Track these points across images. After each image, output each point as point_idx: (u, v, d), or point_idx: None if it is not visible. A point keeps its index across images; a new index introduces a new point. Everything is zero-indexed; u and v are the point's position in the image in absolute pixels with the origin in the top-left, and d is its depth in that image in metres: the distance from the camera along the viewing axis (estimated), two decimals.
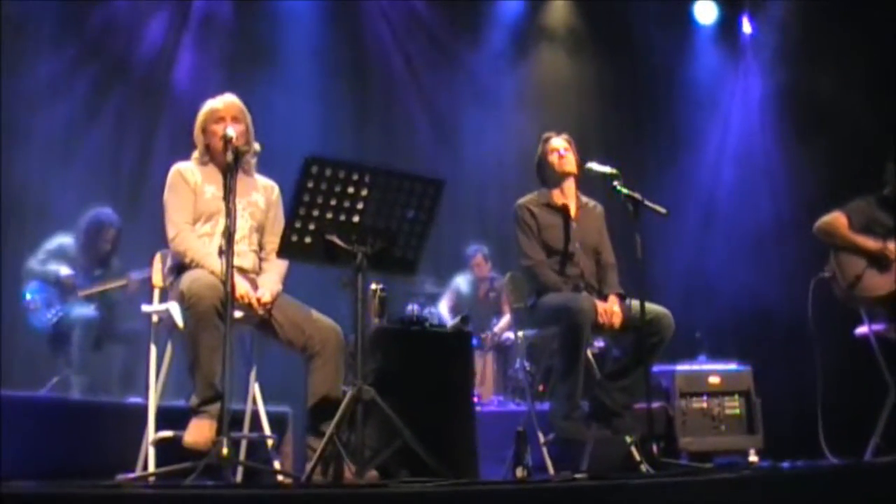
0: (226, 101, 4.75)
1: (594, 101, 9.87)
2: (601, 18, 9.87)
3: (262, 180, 4.92)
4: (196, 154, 4.80)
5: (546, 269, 5.47)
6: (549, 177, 5.65)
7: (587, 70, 10.01)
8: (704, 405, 6.91)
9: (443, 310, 8.31)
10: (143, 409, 4.67)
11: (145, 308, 4.77)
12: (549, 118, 9.39)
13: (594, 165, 5.42)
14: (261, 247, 4.82)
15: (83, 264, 7.01)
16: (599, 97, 9.89)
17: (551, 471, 5.23)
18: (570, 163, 5.61)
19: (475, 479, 4.86)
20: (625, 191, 5.20)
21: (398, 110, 9.55)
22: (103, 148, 8.24)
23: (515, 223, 5.59)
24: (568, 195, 5.65)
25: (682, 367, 6.96)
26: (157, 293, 4.87)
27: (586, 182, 5.65)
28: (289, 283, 4.73)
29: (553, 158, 5.61)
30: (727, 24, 10.13)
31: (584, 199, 5.72)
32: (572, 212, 5.61)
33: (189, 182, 4.69)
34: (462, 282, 8.66)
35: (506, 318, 8.13)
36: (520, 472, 4.83)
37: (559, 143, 5.65)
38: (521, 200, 5.63)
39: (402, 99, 9.55)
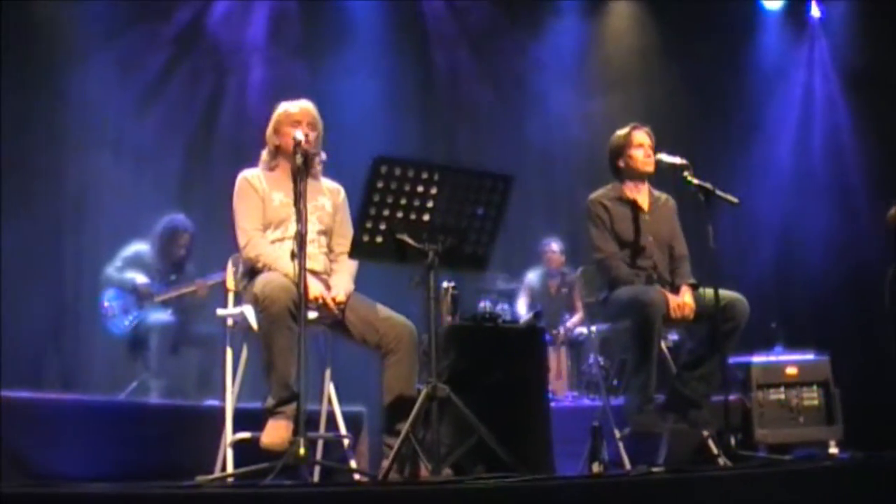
0: (301, 107, 4.79)
1: (662, 90, 9.76)
2: (667, 7, 9.77)
3: (328, 183, 4.95)
4: (264, 157, 4.84)
5: (618, 261, 5.43)
6: (626, 170, 5.55)
7: (654, 59, 9.91)
8: (782, 396, 6.82)
9: (521, 308, 8.30)
10: (221, 412, 4.73)
11: (220, 312, 4.82)
12: (616, 107, 9.35)
13: (664, 156, 5.38)
14: (329, 249, 4.85)
15: (159, 270, 7.11)
16: (666, 86, 9.78)
17: (627, 465, 5.20)
18: (651, 163, 5.53)
19: (551, 474, 4.84)
20: (695, 181, 5.16)
21: (463, 105, 9.53)
22: (175, 153, 8.36)
23: (588, 218, 5.54)
24: (641, 189, 5.59)
25: (758, 359, 6.88)
26: (231, 297, 4.92)
27: (657, 173, 5.58)
28: (360, 283, 4.75)
29: (638, 154, 5.49)
30: (794, 9, 9.99)
31: (657, 192, 5.66)
32: (645, 206, 5.56)
33: (257, 190, 4.73)
34: (534, 277, 8.64)
35: (579, 314, 8.11)
36: (596, 467, 4.81)
37: (645, 139, 5.51)
38: (593, 195, 5.58)
39: (467, 93, 9.54)
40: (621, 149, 5.55)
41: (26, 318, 7.24)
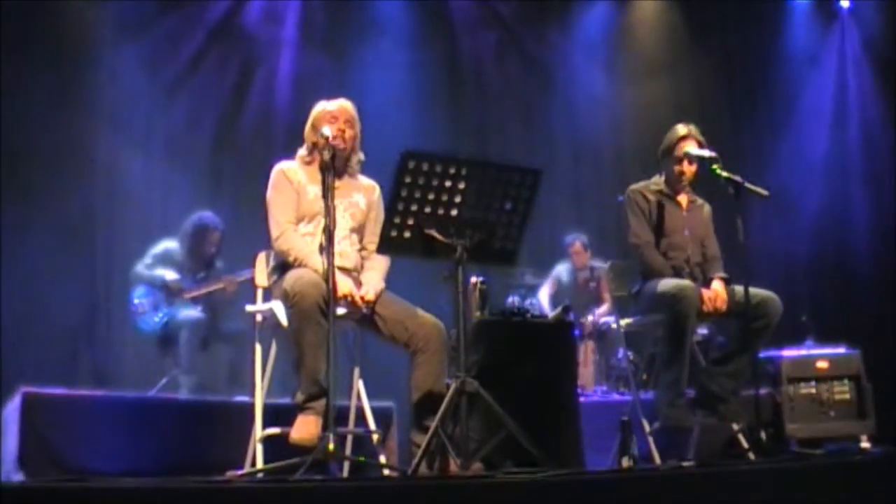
0: (339, 105, 4.82)
1: (691, 81, 9.74)
2: (694, 2, 9.73)
3: (365, 181, 4.96)
4: (301, 152, 4.86)
5: (653, 250, 5.43)
6: (671, 175, 5.56)
7: (683, 51, 9.88)
8: (813, 391, 6.78)
9: (542, 298, 8.29)
10: (250, 407, 4.75)
11: (249, 308, 4.84)
12: (645, 99, 9.33)
13: (693, 150, 5.37)
14: (362, 247, 4.85)
15: (188, 267, 7.14)
16: (696, 77, 9.76)
17: (657, 460, 5.19)
18: (691, 174, 5.52)
19: (581, 469, 4.83)
20: (724, 174, 5.13)
21: (490, 98, 9.52)
22: (204, 150, 8.41)
23: (627, 205, 5.54)
24: (681, 189, 5.60)
25: (788, 353, 6.84)
26: (260, 293, 4.94)
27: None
28: (389, 277, 4.76)
29: (685, 168, 5.48)
30: (822, 0, 9.94)
31: (694, 195, 5.67)
32: (683, 204, 5.59)
33: (292, 182, 4.74)
34: (562, 270, 8.62)
35: (606, 306, 8.08)
36: (625, 462, 4.80)
37: (693, 149, 5.46)
38: (635, 186, 5.59)
39: (495, 86, 9.52)
40: (667, 153, 5.54)
41: (59, 315, 7.29)
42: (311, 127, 4.82)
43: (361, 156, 4.79)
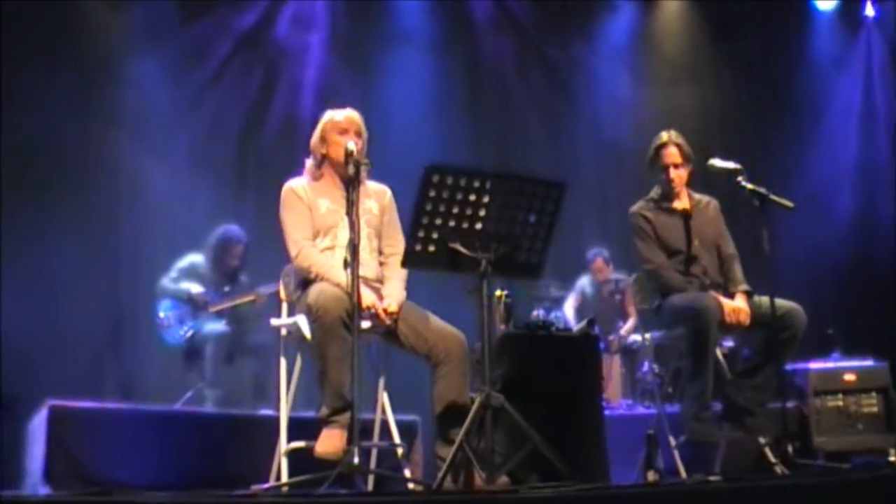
0: (347, 115, 4.80)
1: (714, 89, 9.72)
2: (718, 7, 9.70)
3: (373, 185, 4.94)
4: (309, 166, 4.86)
5: (669, 270, 5.39)
6: (663, 185, 5.52)
7: (706, 58, 9.85)
8: (840, 403, 6.73)
9: (568, 311, 8.27)
10: (275, 421, 4.75)
11: (274, 321, 4.85)
12: (668, 108, 9.30)
13: (717, 162, 5.34)
14: (380, 251, 4.85)
15: (213, 281, 7.16)
16: (719, 85, 9.73)
17: (683, 474, 5.15)
18: (682, 181, 5.49)
19: (606, 483, 4.81)
20: (749, 186, 5.11)
21: (513, 107, 9.51)
22: (228, 164, 8.44)
23: (631, 231, 5.52)
24: (680, 195, 5.55)
25: (815, 365, 6.80)
26: (284, 307, 4.95)
27: (709, 176, 5.53)
28: (412, 290, 4.75)
29: (672, 175, 5.45)
30: (847, 8, 9.89)
31: (697, 196, 5.60)
32: (687, 208, 5.52)
33: (303, 199, 4.74)
34: (585, 283, 8.60)
35: (632, 321, 8.05)
36: (651, 476, 4.78)
37: (674, 156, 5.43)
38: (634, 208, 5.55)
39: (517, 96, 9.52)
40: (652, 163, 5.53)
41: (85, 329, 7.34)
42: (319, 139, 4.82)
43: (367, 161, 4.67)
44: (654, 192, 5.57)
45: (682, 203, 5.53)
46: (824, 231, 9.09)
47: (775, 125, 9.60)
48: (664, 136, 5.47)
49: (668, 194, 5.51)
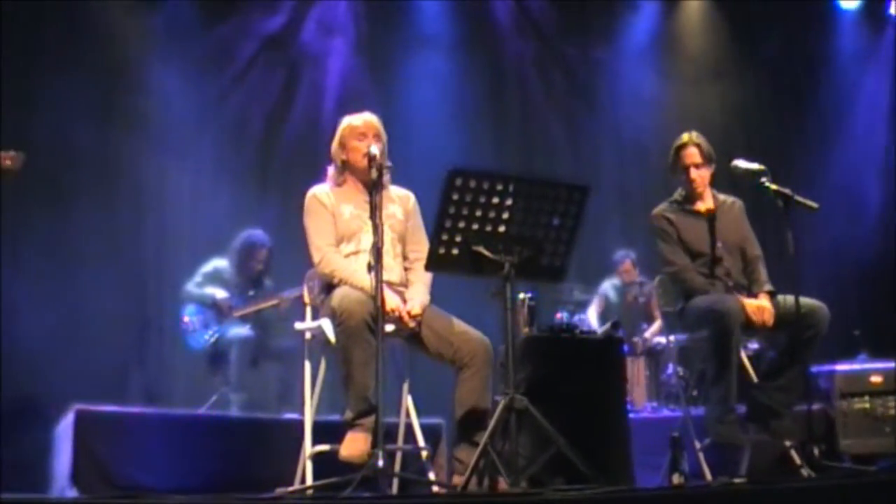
0: (365, 120, 4.80)
1: (737, 89, 9.68)
2: (740, 8, 9.68)
3: (397, 191, 4.95)
4: (331, 173, 4.86)
5: (691, 272, 5.37)
6: (685, 186, 5.51)
7: (728, 58, 9.81)
8: (867, 405, 6.68)
9: (591, 315, 8.25)
10: (300, 424, 4.77)
11: (298, 325, 4.86)
12: (690, 109, 9.27)
13: (741, 163, 5.32)
14: (404, 256, 4.86)
15: (237, 285, 7.19)
16: (742, 85, 9.70)
17: (708, 477, 5.13)
18: (704, 181, 5.48)
19: (631, 486, 4.80)
20: (773, 187, 5.09)
21: (534, 112, 9.50)
22: (252, 167, 8.47)
23: (654, 233, 5.51)
24: (704, 196, 5.54)
25: (841, 367, 6.75)
26: (308, 311, 4.96)
27: (732, 178, 5.51)
28: (436, 293, 4.75)
29: (693, 175, 5.43)
30: (871, 8, 9.84)
31: (721, 196, 5.57)
32: (711, 209, 5.50)
33: (326, 205, 4.75)
34: (609, 287, 8.58)
35: (657, 324, 8.03)
36: (676, 479, 4.76)
37: (694, 156, 5.42)
38: (656, 210, 5.54)
39: (538, 101, 9.51)
40: (674, 164, 5.51)
41: (110, 333, 7.37)
42: (338, 145, 4.82)
43: (389, 164, 4.64)
44: (678, 194, 5.55)
45: (705, 204, 5.50)
46: (850, 231, 9.04)
47: (799, 125, 9.57)
48: (684, 136, 5.46)
49: (691, 195, 5.49)
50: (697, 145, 5.42)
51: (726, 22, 9.82)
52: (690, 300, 5.33)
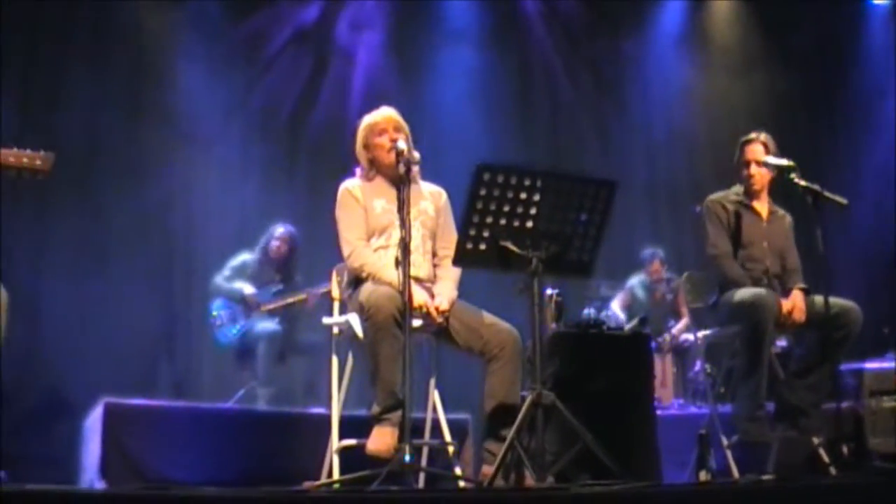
0: (384, 115, 4.79)
1: (766, 86, 9.63)
2: (770, 3, 9.62)
3: (429, 187, 4.95)
4: (359, 173, 4.86)
5: (731, 260, 5.38)
6: (744, 182, 5.54)
7: (758, 55, 9.78)
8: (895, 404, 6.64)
9: (615, 308, 8.23)
10: (327, 419, 4.77)
11: (326, 320, 4.87)
12: (720, 105, 9.23)
13: (770, 158, 5.32)
14: (434, 253, 4.85)
15: (265, 280, 7.21)
16: (771, 81, 9.65)
17: (736, 474, 5.12)
18: (763, 180, 5.49)
19: (658, 482, 4.79)
20: (803, 183, 5.06)
21: (562, 108, 9.49)
22: (280, 163, 8.49)
23: (706, 215, 5.51)
24: (761, 198, 5.56)
25: (870, 365, 6.71)
26: (336, 306, 4.97)
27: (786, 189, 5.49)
28: (464, 289, 4.75)
29: (753, 171, 5.46)
30: None
31: (775, 206, 5.61)
32: (763, 214, 5.54)
33: (359, 199, 4.74)
34: (636, 283, 8.55)
35: (684, 321, 8.01)
36: (703, 476, 4.75)
37: (758, 152, 5.45)
38: (714, 196, 5.57)
39: (566, 96, 9.49)
40: (738, 160, 5.53)
41: (139, 327, 7.42)
42: (362, 146, 4.81)
43: (417, 155, 4.56)
44: (736, 190, 5.56)
45: (761, 206, 5.54)
46: (880, 227, 8.97)
47: (830, 120, 9.51)
48: (753, 133, 5.51)
49: (749, 192, 5.51)
50: (764, 144, 5.44)
51: (756, 17, 9.77)
52: (725, 293, 5.32)
